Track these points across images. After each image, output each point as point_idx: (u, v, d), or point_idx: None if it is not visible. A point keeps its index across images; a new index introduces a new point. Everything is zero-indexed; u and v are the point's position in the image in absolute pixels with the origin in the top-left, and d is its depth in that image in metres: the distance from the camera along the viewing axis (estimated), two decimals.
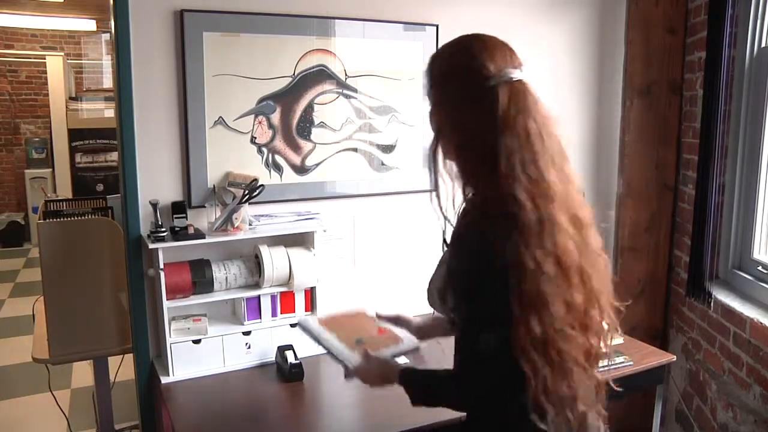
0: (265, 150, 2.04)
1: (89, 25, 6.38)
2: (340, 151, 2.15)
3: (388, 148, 2.23)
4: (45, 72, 6.48)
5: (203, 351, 1.87)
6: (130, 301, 1.92)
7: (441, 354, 1.37)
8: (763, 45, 2.13)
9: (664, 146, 2.55)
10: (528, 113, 1.07)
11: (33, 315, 2.46)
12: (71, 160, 6.08)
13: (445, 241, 1.18)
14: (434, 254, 1.25)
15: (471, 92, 1.09)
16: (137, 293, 1.91)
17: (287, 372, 1.81)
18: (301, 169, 2.10)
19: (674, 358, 2.00)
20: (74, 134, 6.05)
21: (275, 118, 2.03)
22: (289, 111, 2.05)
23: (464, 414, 1.23)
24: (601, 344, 1.12)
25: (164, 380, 1.83)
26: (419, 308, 1.33)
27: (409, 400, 1.22)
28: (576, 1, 2.47)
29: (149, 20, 1.83)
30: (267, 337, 1.94)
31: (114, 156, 5.79)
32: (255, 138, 2.02)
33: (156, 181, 1.90)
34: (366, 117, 2.17)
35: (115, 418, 2.32)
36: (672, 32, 2.47)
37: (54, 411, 2.66)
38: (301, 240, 2.01)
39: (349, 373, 1.37)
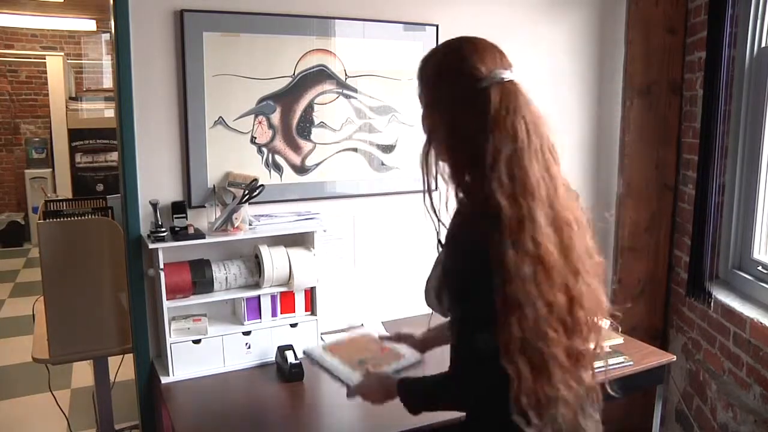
0: (265, 150, 2.04)
1: (89, 25, 6.38)
2: (340, 151, 2.15)
3: (388, 148, 2.23)
4: (45, 72, 6.48)
5: (203, 351, 1.87)
6: (130, 301, 1.92)
7: (442, 360, 1.37)
8: (763, 45, 2.13)
9: (664, 146, 2.55)
10: (518, 113, 1.07)
11: (33, 315, 2.46)
12: (71, 160, 6.08)
13: (439, 241, 1.19)
14: (434, 254, 1.26)
15: (463, 93, 1.10)
16: (137, 293, 1.91)
17: (287, 372, 1.81)
18: (301, 169, 2.10)
19: (674, 358, 2.00)
20: (74, 134, 6.05)
21: (275, 118, 2.03)
22: (289, 111, 2.05)
23: (464, 414, 1.23)
24: (589, 346, 1.11)
25: (164, 380, 1.83)
26: (419, 308, 1.33)
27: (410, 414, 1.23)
28: (576, 1, 2.47)
29: (149, 20, 1.83)
30: (267, 337, 1.94)
31: (114, 156, 5.79)
32: (255, 138, 2.02)
33: (156, 181, 1.90)
34: (366, 117, 2.17)
35: (115, 418, 2.32)
36: (672, 32, 2.47)
37: (54, 411, 2.66)
38: (301, 240, 2.01)
39: (350, 392, 1.39)
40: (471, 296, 1.09)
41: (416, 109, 1.22)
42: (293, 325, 1.98)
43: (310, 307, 2.01)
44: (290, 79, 2.04)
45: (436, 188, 1.15)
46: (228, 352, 1.90)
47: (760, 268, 2.17)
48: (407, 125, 2.22)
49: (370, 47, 2.14)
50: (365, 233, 2.24)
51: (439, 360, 1.39)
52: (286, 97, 2.04)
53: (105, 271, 2.07)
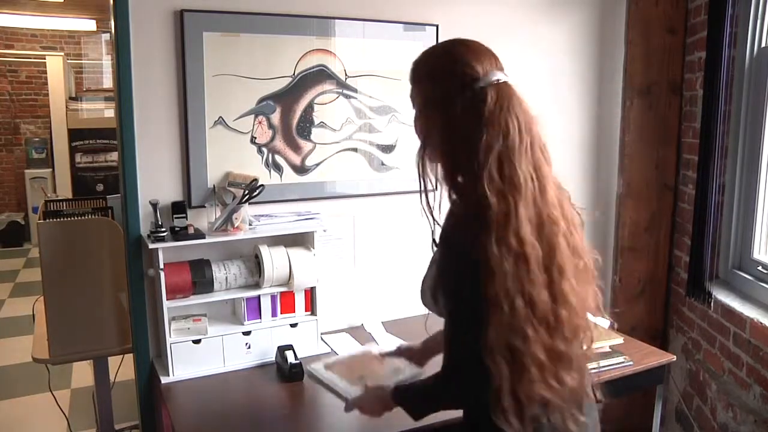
0: (265, 150, 2.04)
1: (89, 25, 6.39)
2: (340, 151, 2.15)
3: (388, 148, 2.23)
4: (45, 72, 6.48)
5: (203, 351, 1.87)
6: (130, 301, 1.92)
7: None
8: (763, 45, 2.13)
9: (664, 146, 2.55)
10: (512, 112, 1.08)
11: (33, 315, 2.46)
12: (71, 160, 6.09)
13: (434, 240, 1.19)
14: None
15: (458, 94, 1.11)
16: (137, 293, 1.91)
17: (287, 372, 1.81)
18: (301, 169, 2.10)
19: (674, 358, 2.00)
20: (74, 134, 6.06)
21: (275, 118, 2.03)
22: (289, 111, 2.05)
23: (461, 414, 1.24)
24: (572, 347, 1.10)
25: (164, 380, 1.83)
26: (419, 308, 1.34)
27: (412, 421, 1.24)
28: (576, 1, 2.47)
29: (149, 20, 1.83)
30: (267, 337, 1.94)
31: (114, 156, 5.79)
32: (255, 138, 2.02)
33: (156, 181, 1.90)
34: (366, 117, 2.17)
35: (115, 418, 2.32)
36: (672, 32, 2.47)
37: (54, 411, 2.66)
38: (301, 240, 2.01)
39: (347, 406, 1.41)
40: (463, 296, 1.09)
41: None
42: (293, 325, 1.98)
43: (310, 307, 2.01)
44: (290, 79, 2.04)
45: (435, 188, 1.16)
46: (228, 352, 1.90)
47: (760, 268, 2.17)
48: (407, 125, 2.22)
49: (370, 47, 2.14)
50: (365, 233, 2.24)
51: (436, 363, 1.40)
52: (286, 97, 2.04)
53: (105, 271, 2.07)
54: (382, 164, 2.23)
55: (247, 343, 1.92)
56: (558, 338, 1.08)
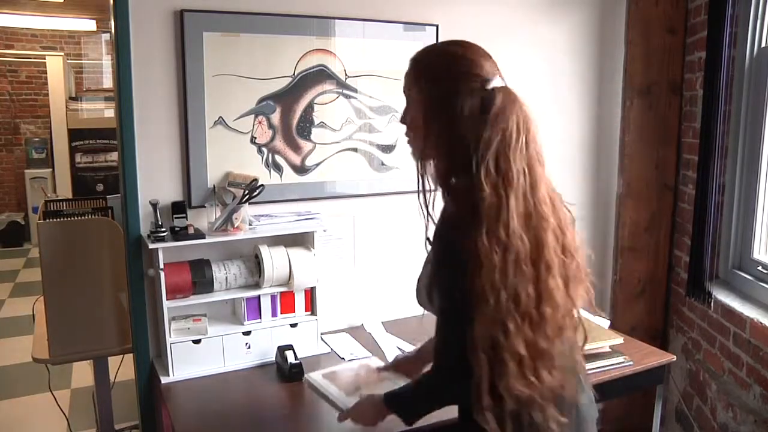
0: (265, 150, 2.04)
1: (89, 25, 6.39)
2: (340, 151, 2.15)
3: (388, 148, 2.23)
4: (45, 72, 6.48)
5: (203, 351, 1.87)
6: (130, 301, 1.92)
7: None
8: (763, 45, 2.13)
9: (664, 146, 2.55)
10: (513, 113, 1.10)
11: (33, 315, 2.46)
12: (71, 160, 6.09)
13: (428, 238, 1.20)
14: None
15: (466, 95, 1.12)
16: (137, 293, 1.91)
17: (287, 372, 1.81)
18: (301, 169, 2.10)
19: (674, 358, 2.00)
20: (74, 134, 6.06)
21: (275, 118, 2.03)
22: (289, 111, 2.05)
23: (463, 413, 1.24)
24: (557, 345, 1.10)
25: (164, 380, 1.83)
26: (418, 308, 1.34)
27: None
28: (576, 1, 2.47)
29: (149, 20, 1.83)
30: (267, 337, 1.94)
31: (114, 156, 5.79)
32: (255, 138, 2.02)
33: (156, 181, 1.90)
34: (366, 117, 2.18)
35: (115, 418, 2.32)
36: (672, 32, 2.47)
37: (54, 411, 2.66)
38: (301, 240, 2.01)
39: (340, 417, 1.42)
40: (455, 295, 1.10)
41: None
42: (293, 325, 1.98)
43: (310, 307, 2.01)
44: (290, 79, 2.04)
45: (435, 188, 1.17)
46: (228, 352, 1.90)
47: (760, 268, 2.17)
48: None
49: (370, 47, 2.14)
50: (365, 233, 2.24)
51: None
52: (286, 97, 2.04)
53: (105, 271, 2.07)
54: (382, 164, 2.23)
55: (247, 343, 1.92)
56: (540, 335, 1.08)
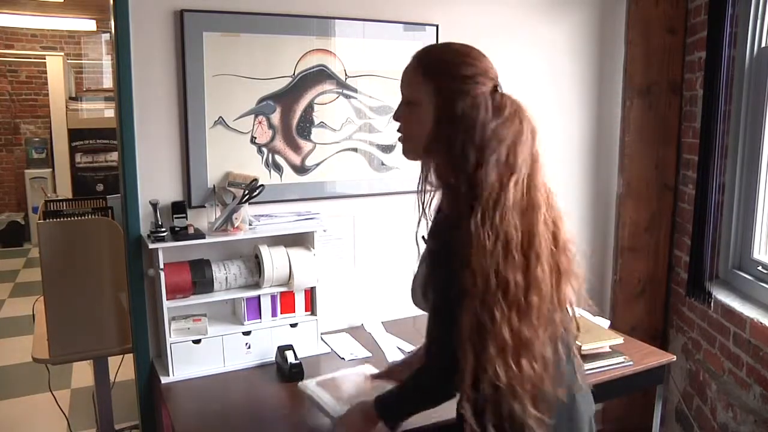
0: (265, 150, 2.04)
1: (89, 25, 6.39)
2: (340, 151, 2.15)
3: (388, 148, 2.23)
4: (45, 72, 6.48)
5: (203, 351, 1.87)
6: (130, 301, 1.92)
7: None
8: (763, 45, 2.13)
9: (664, 146, 2.55)
10: (525, 120, 1.13)
11: (33, 315, 2.46)
12: (71, 160, 6.09)
13: (423, 237, 1.21)
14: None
15: (482, 96, 1.14)
16: (137, 293, 1.91)
17: (287, 372, 1.81)
18: (301, 169, 2.10)
19: (674, 358, 2.00)
20: (74, 134, 6.06)
21: (275, 118, 2.03)
22: (289, 111, 2.05)
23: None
24: (541, 335, 1.11)
25: (164, 380, 1.83)
26: (418, 309, 1.34)
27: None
28: (576, 1, 2.47)
29: (149, 20, 1.83)
30: (267, 337, 1.94)
31: (114, 156, 5.79)
32: (255, 138, 2.02)
33: (156, 181, 1.90)
34: (366, 117, 2.18)
35: (115, 418, 2.32)
36: (672, 32, 2.47)
37: (54, 411, 2.66)
38: (301, 240, 2.01)
39: (332, 425, 1.44)
40: (449, 294, 1.11)
41: None
42: (293, 325, 1.98)
43: (310, 307, 2.01)
44: (290, 79, 2.04)
45: (438, 187, 1.17)
46: (228, 352, 1.90)
47: (760, 268, 2.17)
48: None
49: (370, 47, 2.14)
50: (365, 233, 2.24)
51: None
52: (286, 97, 2.04)
53: (105, 271, 2.07)
54: (382, 164, 2.23)
55: (247, 343, 1.92)
56: (525, 323, 1.09)
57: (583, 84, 2.55)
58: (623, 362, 1.85)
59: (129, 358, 2.14)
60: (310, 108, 2.08)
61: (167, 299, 1.81)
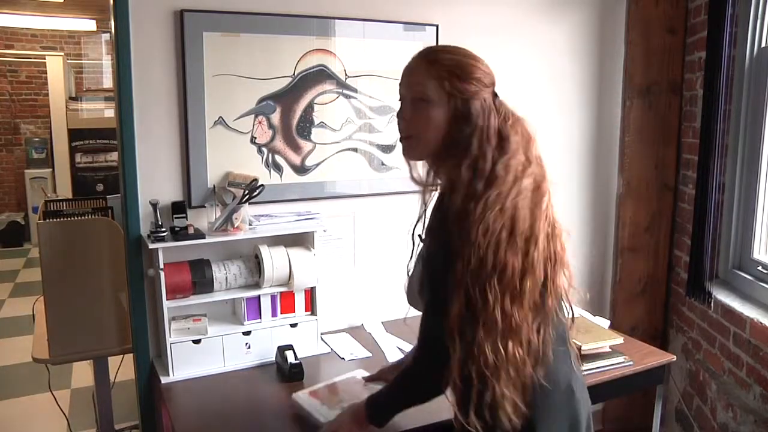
0: (265, 150, 2.04)
1: (89, 25, 6.38)
2: (340, 151, 2.15)
3: (388, 148, 2.23)
4: (45, 72, 6.48)
5: (203, 351, 1.87)
6: (130, 301, 1.92)
7: None
8: (763, 45, 2.13)
9: (664, 146, 2.55)
10: (526, 124, 1.20)
11: (33, 315, 2.46)
12: (71, 160, 6.08)
13: (420, 236, 1.21)
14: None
15: (489, 98, 1.19)
16: (137, 293, 1.91)
17: (287, 372, 1.81)
18: (301, 169, 2.10)
19: (674, 358, 2.00)
20: (74, 134, 6.05)
21: (275, 118, 2.03)
22: (289, 111, 2.05)
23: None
24: (530, 320, 1.12)
25: (164, 380, 1.83)
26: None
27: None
28: (576, 1, 2.47)
29: (149, 20, 1.83)
30: (267, 337, 1.94)
31: (114, 156, 5.79)
32: (255, 138, 2.02)
33: (156, 181, 1.90)
34: (366, 117, 2.18)
35: (115, 418, 2.32)
36: (672, 32, 2.47)
37: (54, 411, 2.66)
38: (301, 240, 2.01)
39: (322, 429, 1.44)
40: (445, 288, 1.12)
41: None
42: (293, 325, 1.98)
43: (310, 307, 2.01)
44: (290, 79, 2.04)
45: (446, 186, 1.18)
46: (228, 352, 1.90)
47: (760, 268, 2.17)
48: None
49: (370, 47, 2.14)
50: (365, 233, 2.24)
51: None
52: (286, 97, 2.04)
53: (105, 271, 2.07)
54: (382, 164, 2.23)
55: (247, 343, 1.92)
56: (517, 307, 1.10)
57: (583, 84, 2.55)
58: (623, 362, 1.85)
59: (129, 358, 2.14)
60: (310, 108, 2.08)
61: (167, 299, 1.81)
